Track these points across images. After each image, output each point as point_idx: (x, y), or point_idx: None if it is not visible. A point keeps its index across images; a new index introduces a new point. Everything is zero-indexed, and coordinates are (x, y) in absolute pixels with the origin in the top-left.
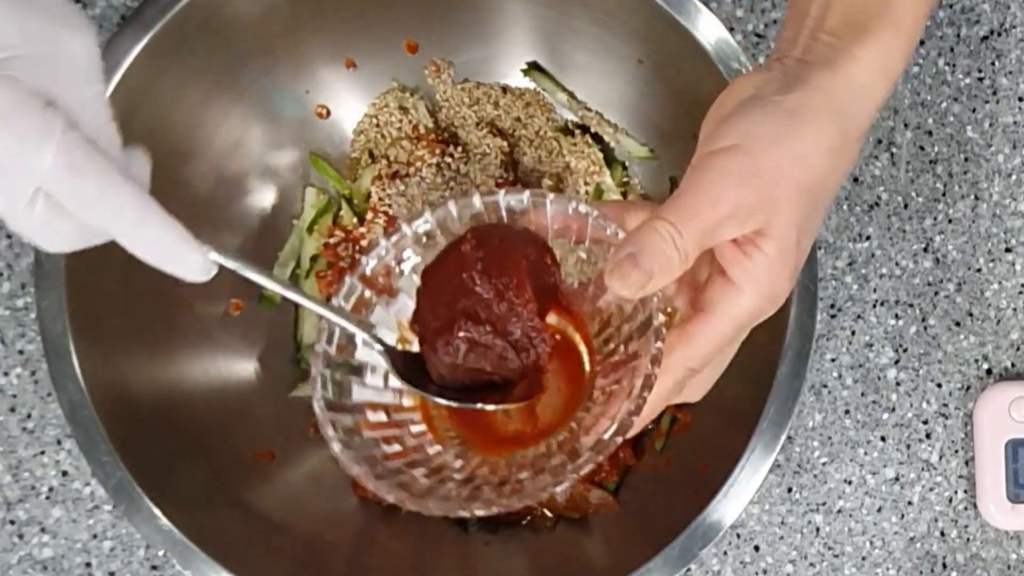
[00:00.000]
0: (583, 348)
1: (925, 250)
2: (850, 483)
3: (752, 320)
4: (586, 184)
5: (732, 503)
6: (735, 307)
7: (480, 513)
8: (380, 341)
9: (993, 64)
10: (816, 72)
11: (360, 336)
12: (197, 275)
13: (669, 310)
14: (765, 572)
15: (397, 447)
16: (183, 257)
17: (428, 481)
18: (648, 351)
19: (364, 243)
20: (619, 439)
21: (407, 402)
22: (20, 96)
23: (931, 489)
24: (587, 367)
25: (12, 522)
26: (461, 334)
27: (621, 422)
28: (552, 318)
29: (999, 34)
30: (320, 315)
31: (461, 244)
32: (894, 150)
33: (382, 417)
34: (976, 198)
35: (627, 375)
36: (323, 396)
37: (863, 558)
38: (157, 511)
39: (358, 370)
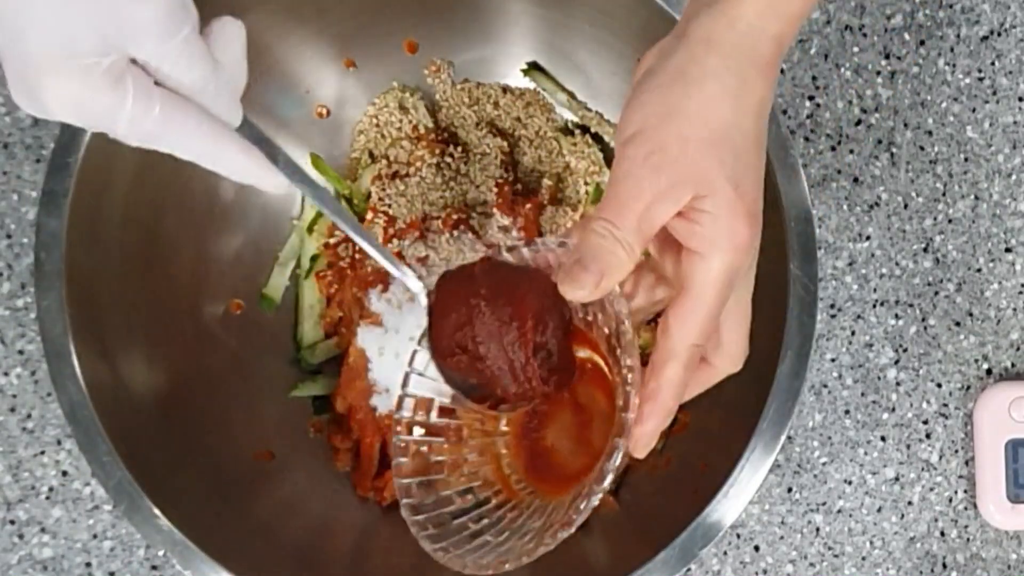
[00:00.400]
0: (607, 371)
1: (925, 250)
2: (850, 483)
3: (733, 275)
4: (586, 184)
5: (732, 503)
6: (709, 273)
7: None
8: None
9: (993, 64)
10: (696, 21)
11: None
12: (274, 190)
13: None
14: (765, 572)
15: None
16: (261, 179)
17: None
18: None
19: None
20: (632, 448)
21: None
22: (92, 80)
23: (931, 489)
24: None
25: (12, 522)
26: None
27: (625, 426)
28: (582, 351)
29: (999, 34)
30: (375, 256)
31: (473, 268)
32: (894, 150)
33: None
34: (976, 198)
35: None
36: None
37: (863, 558)
38: (157, 511)
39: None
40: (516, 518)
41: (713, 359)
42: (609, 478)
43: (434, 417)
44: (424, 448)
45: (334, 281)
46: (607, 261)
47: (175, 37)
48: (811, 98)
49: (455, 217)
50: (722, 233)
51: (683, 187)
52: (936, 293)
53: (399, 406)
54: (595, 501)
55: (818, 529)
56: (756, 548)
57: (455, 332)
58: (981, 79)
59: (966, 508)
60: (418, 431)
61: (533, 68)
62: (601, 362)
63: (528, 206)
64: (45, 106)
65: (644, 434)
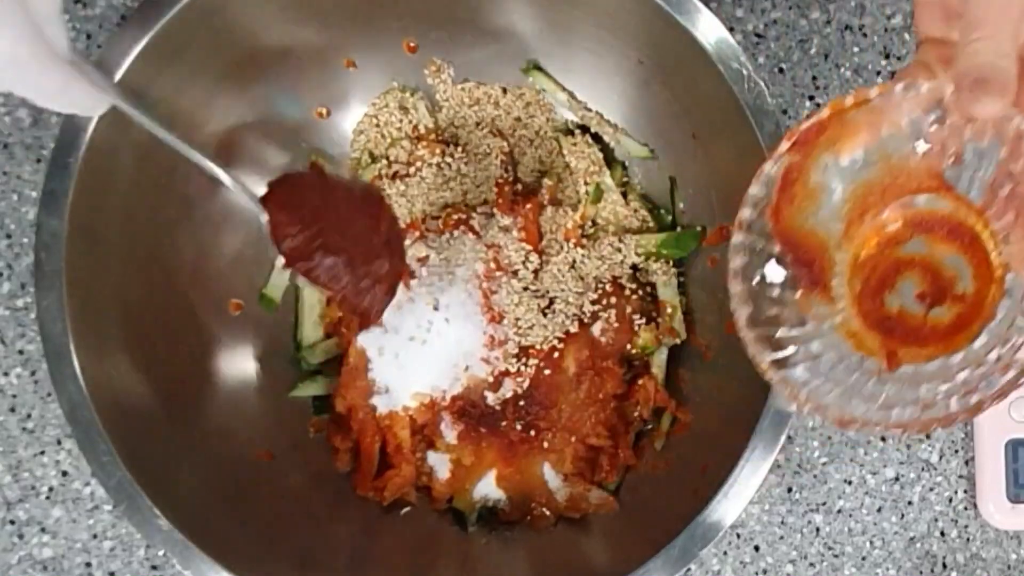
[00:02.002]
0: (963, 216)
1: None
2: (850, 483)
3: None
4: (586, 184)
5: (732, 503)
6: None
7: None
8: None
9: None
10: None
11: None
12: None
13: None
14: (765, 572)
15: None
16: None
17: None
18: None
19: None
20: None
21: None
22: None
23: (931, 489)
24: (974, 225)
25: (12, 522)
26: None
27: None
28: (938, 201)
29: None
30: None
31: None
32: None
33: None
34: None
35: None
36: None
37: (863, 558)
38: (157, 511)
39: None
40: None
41: None
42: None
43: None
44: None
45: None
46: (1006, 71)
47: None
48: (811, 98)
49: (455, 218)
50: None
51: None
52: None
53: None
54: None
55: (818, 529)
56: (756, 548)
57: (304, 242)
58: None
59: (966, 508)
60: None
61: (533, 68)
62: (947, 204)
63: (528, 206)
64: None
65: None
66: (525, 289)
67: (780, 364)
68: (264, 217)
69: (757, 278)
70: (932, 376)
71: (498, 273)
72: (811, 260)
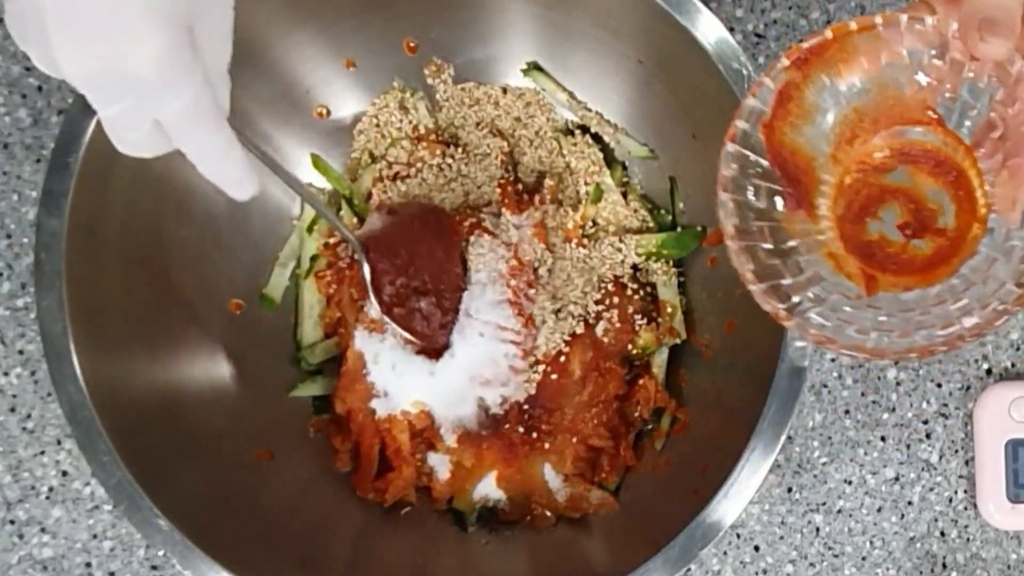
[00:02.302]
0: (951, 152)
1: None
2: (850, 483)
3: None
4: (586, 184)
5: (732, 503)
6: None
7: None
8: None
9: None
10: None
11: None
12: (240, 197)
13: None
14: (765, 572)
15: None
16: (237, 190)
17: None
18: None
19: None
20: None
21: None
22: (179, 44)
23: (931, 489)
24: (961, 162)
25: (12, 522)
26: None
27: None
28: (928, 135)
29: None
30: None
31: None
32: None
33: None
34: None
35: (1009, 131)
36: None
37: (863, 558)
38: (157, 511)
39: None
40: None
41: None
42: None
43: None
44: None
45: (333, 281)
46: (1013, 12)
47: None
48: None
49: (468, 223)
50: None
51: None
52: None
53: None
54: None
55: (818, 529)
56: (756, 548)
57: (399, 289)
58: None
59: (966, 508)
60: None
61: (533, 68)
62: (937, 138)
63: (530, 208)
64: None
65: None
66: (545, 287)
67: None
68: (366, 268)
69: (750, 191)
70: (912, 307)
71: (522, 273)
72: (799, 179)
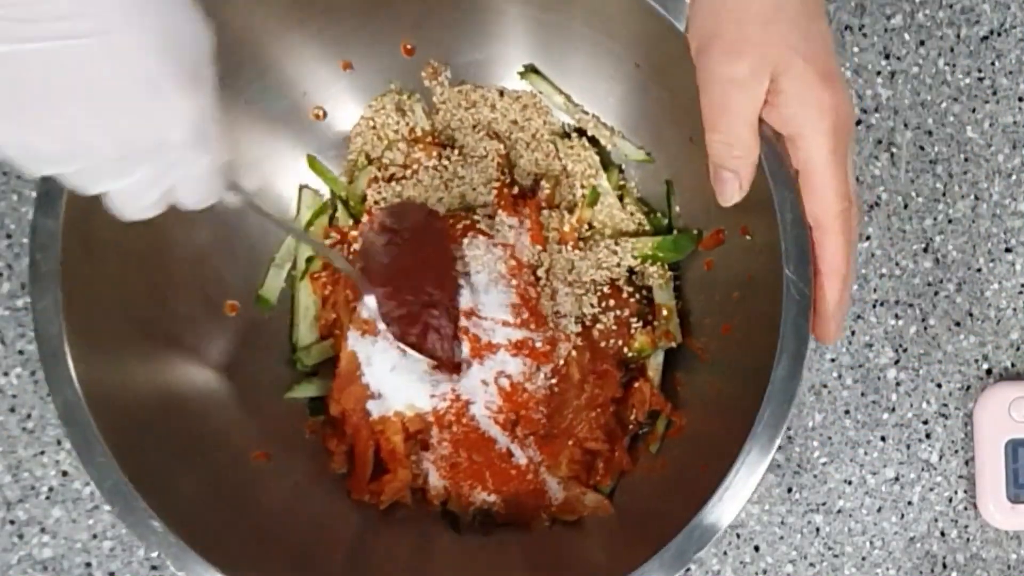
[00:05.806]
0: None
1: (925, 250)
2: (850, 483)
3: (834, 136)
4: (583, 187)
5: (728, 505)
6: (816, 142)
7: None
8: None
9: (993, 64)
10: None
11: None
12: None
13: None
14: (765, 572)
15: None
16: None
17: None
18: None
19: (358, 246)
20: None
21: None
22: (206, 101)
23: (931, 489)
24: None
25: (12, 522)
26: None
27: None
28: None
29: (999, 34)
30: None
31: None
32: (894, 150)
33: None
34: (976, 198)
35: None
36: None
37: (863, 558)
38: (152, 512)
39: None
40: None
41: None
42: None
43: None
44: None
45: (329, 283)
46: (736, 165)
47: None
48: None
49: (461, 225)
50: (805, 103)
51: (761, 76)
52: (936, 293)
53: None
54: None
55: (818, 529)
56: (756, 548)
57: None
58: (981, 79)
59: (966, 508)
60: None
61: (530, 71)
62: None
63: (527, 210)
64: None
65: (839, 304)
66: (543, 288)
67: None
68: (373, 303)
69: None
70: None
71: (522, 273)
72: None
